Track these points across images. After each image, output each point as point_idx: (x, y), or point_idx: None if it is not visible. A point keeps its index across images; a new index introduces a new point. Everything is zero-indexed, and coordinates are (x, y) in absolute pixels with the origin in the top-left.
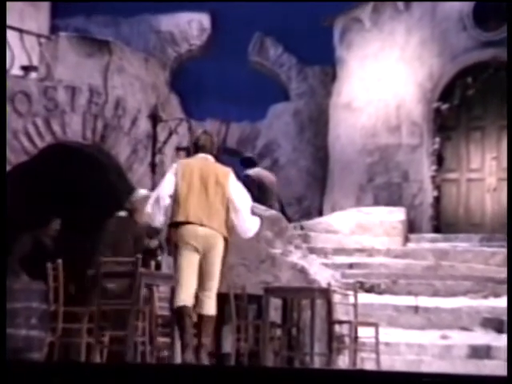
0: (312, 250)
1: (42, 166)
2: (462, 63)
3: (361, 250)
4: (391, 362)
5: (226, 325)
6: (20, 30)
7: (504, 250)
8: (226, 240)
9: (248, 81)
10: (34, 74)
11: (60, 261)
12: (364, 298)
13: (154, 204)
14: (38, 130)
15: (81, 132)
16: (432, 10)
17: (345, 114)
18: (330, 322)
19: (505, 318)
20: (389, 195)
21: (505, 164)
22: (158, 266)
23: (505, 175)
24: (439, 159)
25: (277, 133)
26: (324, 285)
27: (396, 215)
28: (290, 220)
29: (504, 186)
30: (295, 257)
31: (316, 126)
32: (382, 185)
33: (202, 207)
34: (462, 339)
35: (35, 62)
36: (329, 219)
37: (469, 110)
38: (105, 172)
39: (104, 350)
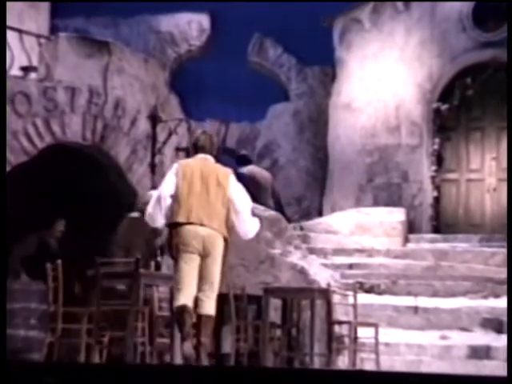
0: (312, 251)
1: (41, 167)
2: (462, 64)
3: (360, 251)
4: (391, 363)
5: (225, 325)
6: (20, 31)
7: (503, 251)
8: (225, 240)
9: (248, 81)
10: (33, 75)
11: (59, 261)
12: (364, 298)
13: (155, 204)
14: (37, 131)
15: (80, 132)
16: (431, 10)
17: (344, 115)
18: (330, 322)
19: (504, 318)
20: (388, 195)
21: (504, 164)
22: (158, 267)
23: (504, 175)
24: (439, 160)
25: (276, 133)
26: (324, 285)
27: (396, 216)
28: (289, 220)
29: (503, 186)
30: (295, 257)
31: (316, 126)
32: (382, 185)
33: (203, 207)
34: (461, 340)
35: (35, 63)
36: (328, 219)
37: (468, 110)
38: (104, 172)
39: (103, 351)
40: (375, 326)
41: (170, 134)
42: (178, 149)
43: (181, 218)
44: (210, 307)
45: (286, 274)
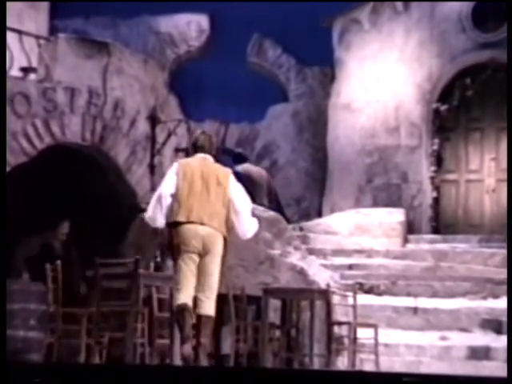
0: (311, 251)
1: (41, 168)
2: (461, 64)
3: (360, 251)
4: (390, 363)
5: (225, 326)
6: (19, 32)
7: (503, 251)
8: (225, 239)
9: (247, 82)
10: (33, 76)
11: (59, 262)
12: (363, 299)
13: (155, 204)
14: (37, 132)
15: (80, 133)
16: (431, 10)
17: (344, 115)
18: (329, 323)
19: (504, 318)
20: (388, 196)
21: (504, 165)
22: (158, 267)
23: (504, 176)
24: (438, 160)
25: (276, 134)
26: (323, 286)
27: (395, 216)
28: (288, 221)
29: (503, 186)
30: (294, 258)
31: (315, 126)
32: (381, 186)
33: (203, 207)
34: (461, 340)
35: (34, 64)
36: (328, 220)
37: (468, 111)
38: (104, 173)
39: (103, 352)
40: (375, 326)
41: (169, 135)
42: (177, 149)
43: (181, 218)
44: (209, 307)
45: (286, 275)
